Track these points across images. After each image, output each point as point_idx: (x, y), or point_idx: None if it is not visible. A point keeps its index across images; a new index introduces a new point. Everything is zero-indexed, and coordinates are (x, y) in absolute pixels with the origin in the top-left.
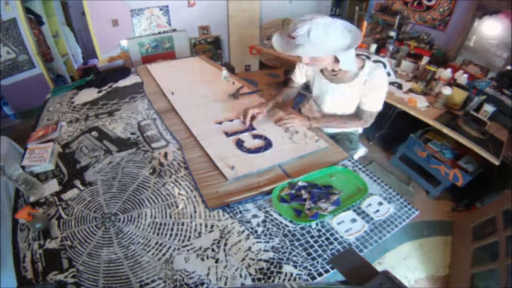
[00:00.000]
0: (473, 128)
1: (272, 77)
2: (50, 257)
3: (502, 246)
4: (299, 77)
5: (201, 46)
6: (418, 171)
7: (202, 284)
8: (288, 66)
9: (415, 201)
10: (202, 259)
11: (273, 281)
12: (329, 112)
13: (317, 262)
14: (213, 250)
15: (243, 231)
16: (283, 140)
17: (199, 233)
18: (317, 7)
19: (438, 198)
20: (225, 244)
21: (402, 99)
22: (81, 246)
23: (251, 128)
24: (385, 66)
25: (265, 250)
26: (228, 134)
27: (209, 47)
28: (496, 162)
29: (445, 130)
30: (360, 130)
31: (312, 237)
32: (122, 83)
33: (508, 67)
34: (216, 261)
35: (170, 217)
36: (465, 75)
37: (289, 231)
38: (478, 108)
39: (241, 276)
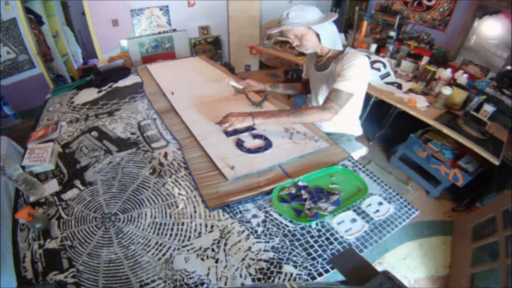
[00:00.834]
0: (473, 128)
1: (272, 77)
2: (50, 257)
3: (502, 246)
4: (304, 72)
5: (201, 46)
6: (418, 171)
7: (202, 284)
8: (288, 66)
9: (415, 201)
10: (202, 259)
11: (273, 281)
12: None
13: (317, 262)
14: (213, 250)
15: (243, 231)
16: (283, 140)
17: (199, 233)
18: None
19: (438, 198)
20: (225, 244)
21: (402, 99)
22: (81, 246)
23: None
24: (385, 66)
25: (265, 250)
26: (228, 134)
27: (209, 47)
28: (496, 162)
29: (445, 130)
30: (358, 130)
31: (312, 237)
32: (122, 83)
33: (508, 67)
34: (216, 261)
35: (170, 217)
36: (465, 75)
37: (289, 231)
38: (478, 108)
39: (241, 276)
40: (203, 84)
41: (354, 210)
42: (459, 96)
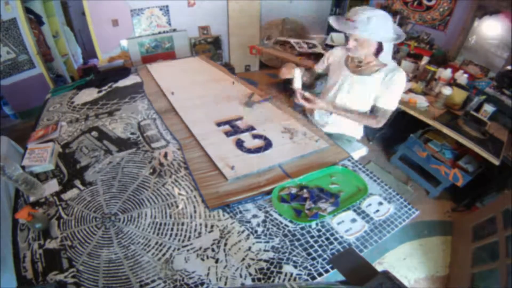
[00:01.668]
0: (473, 128)
1: (272, 77)
2: (50, 257)
3: (502, 246)
4: (321, 65)
5: (201, 46)
6: (418, 171)
7: (202, 284)
8: None
9: (415, 201)
10: (202, 259)
11: (273, 281)
12: (339, 105)
13: (317, 262)
14: (213, 250)
15: (243, 231)
16: (283, 140)
17: (199, 233)
18: (317, 7)
19: (438, 198)
20: (225, 244)
21: (402, 99)
22: (81, 246)
23: (251, 128)
24: None
25: (265, 250)
26: (228, 134)
27: (209, 47)
28: (496, 162)
29: (445, 130)
30: (360, 133)
31: (312, 237)
32: (122, 83)
33: (508, 67)
34: (216, 261)
35: (170, 217)
36: (465, 75)
37: (289, 231)
38: (478, 108)
39: (241, 276)
40: (203, 84)
41: (354, 210)
42: (459, 96)
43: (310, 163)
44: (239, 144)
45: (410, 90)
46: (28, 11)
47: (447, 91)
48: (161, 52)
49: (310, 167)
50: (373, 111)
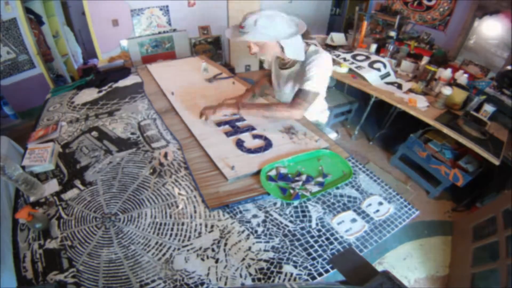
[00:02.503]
0: (473, 128)
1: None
2: (50, 257)
3: (502, 246)
4: (268, 65)
5: (201, 46)
6: (418, 171)
7: (202, 284)
8: None
9: (415, 201)
10: (202, 259)
11: (273, 281)
12: (286, 101)
13: (317, 262)
14: (213, 250)
15: (243, 231)
16: (283, 140)
17: (199, 233)
18: (317, 7)
19: (438, 198)
20: (225, 244)
21: (402, 99)
22: (81, 246)
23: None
24: (385, 66)
25: (265, 250)
26: (228, 134)
27: (209, 47)
28: (496, 162)
29: (445, 130)
30: (326, 116)
31: (312, 237)
32: (122, 83)
33: (508, 67)
34: (216, 261)
35: (170, 217)
36: (465, 75)
37: (289, 231)
38: (478, 108)
39: (241, 276)
40: (203, 84)
41: (354, 210)
42: (459, 96)
43: None
44: (239, 144)
45: (410, 90)
46: (28, 11)
47: (447, 91)
48: (161, 52)
49: None
50: (294, 96)
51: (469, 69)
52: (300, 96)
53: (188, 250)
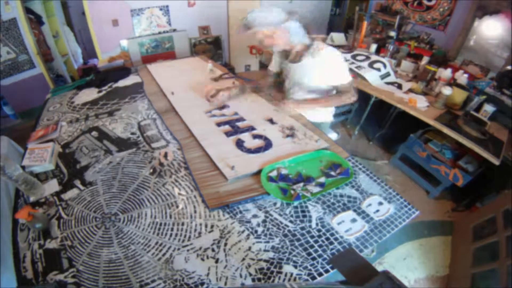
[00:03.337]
0: (473, 128)
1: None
2: (50, 257)
3: (502, 246)
4: (274, 66)
5: (201, 46)
6: (418, 171)
7: (202, 284)
8: None
9: (415, 201)
10: (202, 259)
11: (273, 281)
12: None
13: (317, 262)
14: (213, 250)
15: (243, 231)
16: (283, 140)
17: (199, 233)
18: (317, 7)
19: (438, 198)
20: (225, 244)
21: (402, 99)
22: (81, 246)
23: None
24: (385, 66)
25: (265, 250)
26: (228, 134)
27: (209, 47)
28: (496, 162)
29: (445, 130)
30: (330, 117)
31: (312, 237)
32: (122, 83)
33: (508, 67)
34: (216, 261)
35: (170, 217)
36: (465, 75)
37: (289, 231)
38: (478, 108)
39: (241, 276)
40: (203, 84)
41: (354, 210)
42: (459, 96)
43: None
44: (239, 144)
45: (410, 90)
46: (28, 11)
47: (447, 91)
48: (161, 52)
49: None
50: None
51: (469, 69)
52: (343, 90)
53: (188, 250)
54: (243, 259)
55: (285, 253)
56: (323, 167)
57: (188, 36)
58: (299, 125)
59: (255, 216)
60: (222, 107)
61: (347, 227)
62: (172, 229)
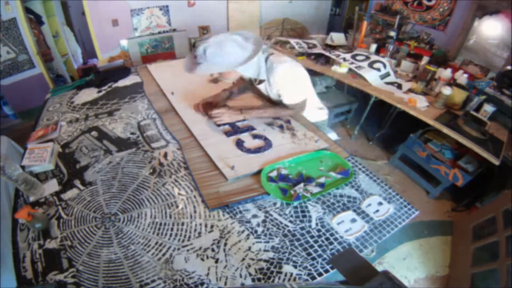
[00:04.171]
0: (473, 128)
1: None
2: (50, 257)
3: (502, 246)
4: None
5: None
6: (418, 171)
7: (202, 284)
8: None
9: (415, 201)
10: (202, 259)
11: (273, 281)
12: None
13: (317, 262)
14: (213, 250)
15: (243, 231)
16: (283, 140)
17: (199, 233)
18: (317, 7)
19: (438, 198)
20: (225, 244)
21: (402, 99)
22: (81, 246)
23: (251, 128)
24: (385, 66)
25: (265, 250)
26: (228, 134)
27: None
28: (496, 162)
29: (445, 130)
30: (324, 115)
31: (312, 237)
32: (122, 83)
33: (508, 67)
34: (216, 261)
35: (170, 217)
36: (465, 75)
37: (289, 231)
38: (478, 108)
39: (241, 276)
40: (203, 84)
41: (354, 210)
42: (459, 96)
43: None
44: (239, 144)
45: (410, 90)
46: (28, 11)
47: (447, 91)
48: (161, 52)
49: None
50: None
51: (469, 69)
52: (289, 107)
53: (188, 250)
54: (243, 259)
55: (285, 253)
56: (323, 168)
57: (188, 36)
58: (299, 125)
59: (255, 216)
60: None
61: (347, 227)
62: (172, 229)
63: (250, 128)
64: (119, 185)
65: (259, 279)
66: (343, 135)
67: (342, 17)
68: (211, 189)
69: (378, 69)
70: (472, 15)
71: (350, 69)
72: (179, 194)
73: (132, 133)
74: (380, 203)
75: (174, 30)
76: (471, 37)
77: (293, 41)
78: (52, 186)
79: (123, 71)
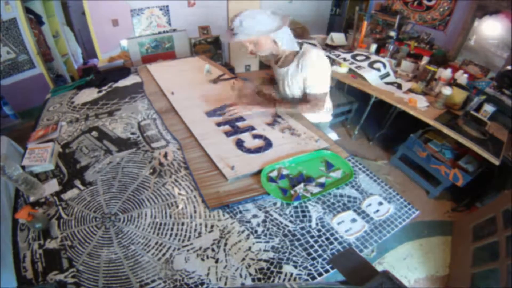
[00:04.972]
0: (473, 128)
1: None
2: (50, 257)
3: (502, 246)
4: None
5: (201, 46)
6: (418, 171)
7: (202, 284)
8: None
9: (415, 201)
10: (202, 259)
11: (273, 281)
12: (285, 97)
13: (317, 262)
14: (213, 250)
15: (243, 231)
16: (283, 140)
17: (199, 233)
18: (317, 7)
19: (438, 198)
20: (225, 244)
21: (402, 99)
22: (81, 246)
23: (251, 128)
24: (385, 66)
25: (265, 250)
26: (228, 134)
27: (209, 47)
28: (496, 162)
29: (445, 130)
30: (328, 117)
31: (312, 237)
32: (122, 83)
33: (508, 67)
34: (216, 261)
35: (170, 217)
36: (465, 75)
37: (289, 231)
38: (478, 108)
39: (241, 276)
40: (203, 84)
41: (354, 210)
42: (459, 96)
43: None
44: (239, 144)
45: (410, 90)
46: (28, 11)
47: (447, 91)
48: (161, 52)
49: None
50: (307, 98)
51: (469, 69)
52: (311, 99)
53: (188, 250)
54: (243, 259)
55: (285, 253)
56: (323, 168)
57: (188, 36)
58: (299, 125)
59: (255, 216)
60: (236, 119)
61: (347, 227)
62: (172, 229)
63: (250, 128)
64: (119, 185)
65: (259, 279)
66: (343, 135)
67: (342, 17)
68: (211, 189)
69: (378, 69)
70: (472, 15)
71: (350, 69)
72: (179, 194)
73: (132, 133)
74: (380, 203)
75: (174, 30)
76: (471, 37)
77: None
78: (52, 186)
79: (123, 71)
